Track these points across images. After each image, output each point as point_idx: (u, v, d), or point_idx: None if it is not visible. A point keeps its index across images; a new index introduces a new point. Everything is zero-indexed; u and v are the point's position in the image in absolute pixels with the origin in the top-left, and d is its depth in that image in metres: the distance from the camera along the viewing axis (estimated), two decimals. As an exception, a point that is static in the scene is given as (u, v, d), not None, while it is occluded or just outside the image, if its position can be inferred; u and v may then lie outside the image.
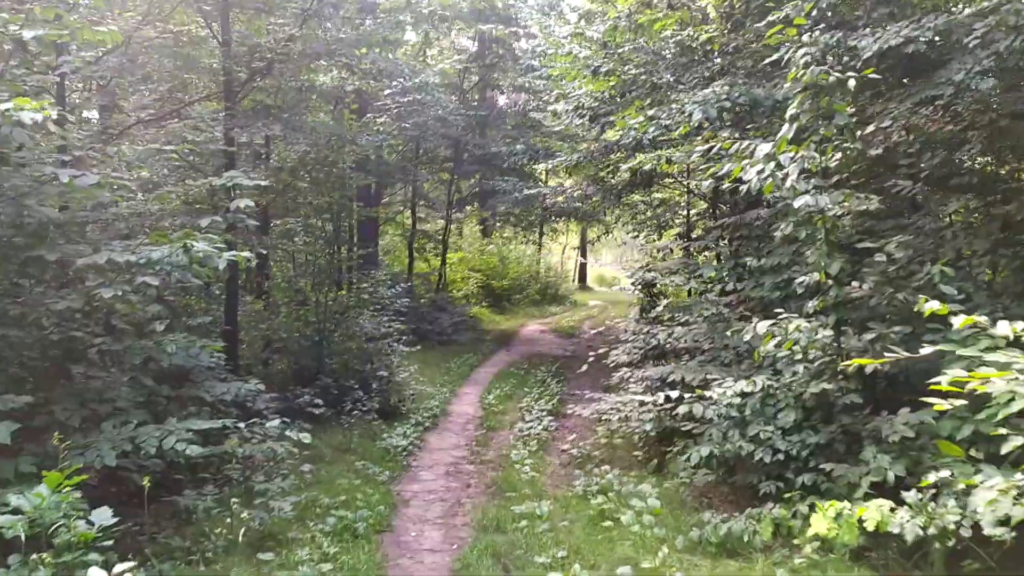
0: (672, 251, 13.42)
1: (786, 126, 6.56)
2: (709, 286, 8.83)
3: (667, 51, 12.31)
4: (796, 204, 6.37)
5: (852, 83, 6.34)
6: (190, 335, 8.40)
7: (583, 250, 42.18)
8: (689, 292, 11.06)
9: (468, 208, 29.12)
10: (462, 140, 22.93)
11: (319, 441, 10.65)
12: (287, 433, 7.23)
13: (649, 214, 17.93)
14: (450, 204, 24.66)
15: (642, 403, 9.49)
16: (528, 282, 30.50)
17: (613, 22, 12.63)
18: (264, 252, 11.63)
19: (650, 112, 8.85)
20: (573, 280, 41.88)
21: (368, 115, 14.62)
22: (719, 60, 11.84)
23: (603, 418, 9.75)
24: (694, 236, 14.02)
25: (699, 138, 10.24)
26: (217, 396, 8.44)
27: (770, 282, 7.78)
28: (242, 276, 15.87)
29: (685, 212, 16.45)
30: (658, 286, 11.91)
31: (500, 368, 18.28)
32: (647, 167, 10.40)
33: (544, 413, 13.13)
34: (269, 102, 12.14)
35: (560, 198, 19.02)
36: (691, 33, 11.47)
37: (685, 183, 17.67)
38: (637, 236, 22.66)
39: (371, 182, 16.10)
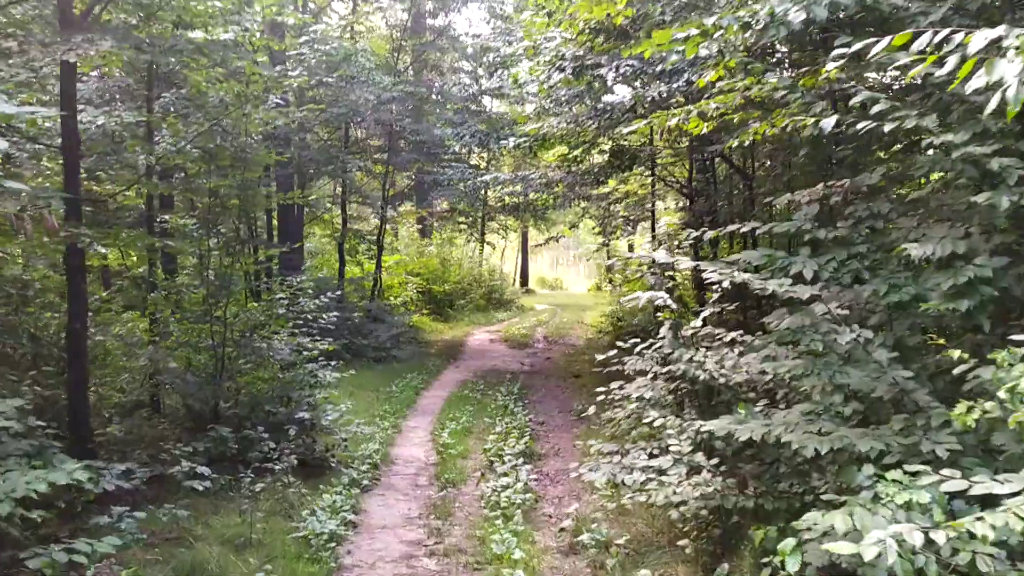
0: (678, 243, 10.01)
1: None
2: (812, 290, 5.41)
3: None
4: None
5: None
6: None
7: (524, 251, 38.87)
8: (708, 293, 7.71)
9: (403, 207, 25.43)
10: (397, 126, 19.28)
11: (206, 531, 6.98)
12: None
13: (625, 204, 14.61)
14: (385, 200, 20.94)
15: (691, 469, 6.12)
16: (471, 286, 26.96)
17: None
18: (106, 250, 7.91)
19: (708, 20, 5.41)
20: (514, 283, 38.50)
21: (279, 67, 10.88)
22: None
23: (632, 487, 6.30)
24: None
25: (740, 82, 6.95)
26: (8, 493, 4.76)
27: (948, 284, 4.44)
28: (137, 288, 12.08)
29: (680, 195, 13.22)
30: (678, 291, 8.52)
31: (451, 390, 14.73)
32: (672, 122, 7.02)
33: (518, 458, 9.64)
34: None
35: (517, 187, 15.52)
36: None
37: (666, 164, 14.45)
38: (602, 231, 19.47)
39: (288, 157, 12.36)
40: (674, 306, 6.85)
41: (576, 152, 12.56)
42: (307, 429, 9.48)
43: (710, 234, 5.53)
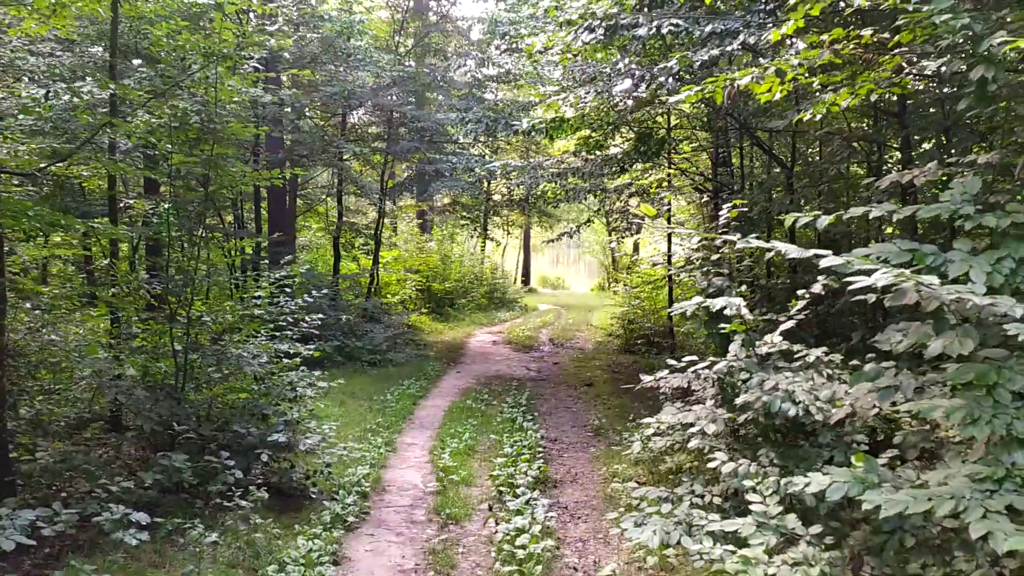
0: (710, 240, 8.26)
1: None
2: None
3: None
4: None
5: None
6: None
7: (527, 248, 37.20)
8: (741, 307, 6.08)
9: (402, 200, 23.74)
10: (397, 112, 17.58)
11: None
12: None
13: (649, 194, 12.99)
14: (383, 191, 19.24)
15: (782, 537, 4.48)
16: (473, 284, 25.27)
17: None
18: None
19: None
20: (515, 282, 36.85)
21: (254, 22, 9.20)
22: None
23: (697, 555, 4.66)
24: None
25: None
26: None
27: None
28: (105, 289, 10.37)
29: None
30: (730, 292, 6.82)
31: (452, 400, 13.08)
32: (743, 81, 5.40)
33: (532, 490, 8.00)
34: None
35: (527, 176, 13.84)
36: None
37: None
38: (617, 228, 17.85)
39: (269, 129, 10.67)
40: (749, 316, 5.21)
41: (596, 135, 10.93)
42: (284, 449, 7.83)
43: (826, 220, 3.90)
